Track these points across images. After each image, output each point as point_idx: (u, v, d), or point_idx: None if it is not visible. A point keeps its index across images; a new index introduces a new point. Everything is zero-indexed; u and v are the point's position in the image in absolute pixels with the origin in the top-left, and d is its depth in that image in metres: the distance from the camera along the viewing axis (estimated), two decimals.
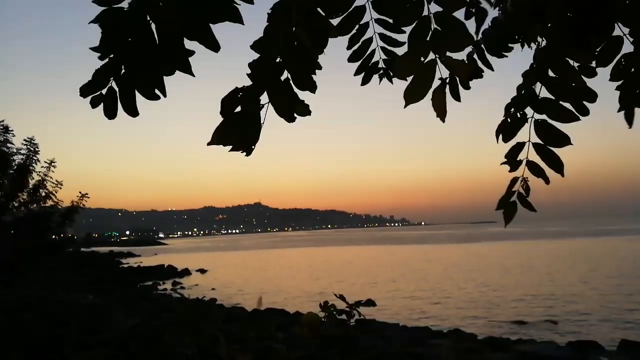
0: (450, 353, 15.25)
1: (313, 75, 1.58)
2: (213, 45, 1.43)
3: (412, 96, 1.58)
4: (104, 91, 1.51)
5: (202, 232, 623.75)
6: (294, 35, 1.51)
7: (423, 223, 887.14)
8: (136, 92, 1.50)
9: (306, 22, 1.55)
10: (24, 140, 14.40)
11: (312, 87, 1.57)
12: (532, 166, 2.08)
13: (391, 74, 2.60)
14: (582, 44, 1.80)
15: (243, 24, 1.43)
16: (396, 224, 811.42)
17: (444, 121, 1.61)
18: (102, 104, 1.51)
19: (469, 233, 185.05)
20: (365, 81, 2.64)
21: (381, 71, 2.62)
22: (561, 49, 1.84)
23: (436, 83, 1.59)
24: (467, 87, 2.44)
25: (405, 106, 1.61)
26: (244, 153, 1.57)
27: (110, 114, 1.52)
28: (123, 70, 1.47)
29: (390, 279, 41.14)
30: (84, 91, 1.50)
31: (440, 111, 1.59)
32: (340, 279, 43.24)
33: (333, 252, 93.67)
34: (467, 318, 23.63)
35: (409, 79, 1.60)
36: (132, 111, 1.53)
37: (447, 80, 2.51)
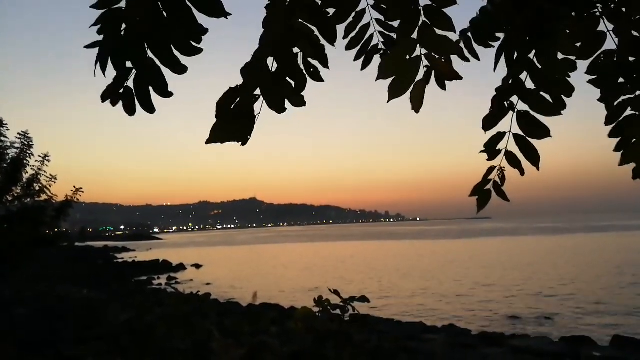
0: (445, 348, 15.31)
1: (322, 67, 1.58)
2: (198, 33, 1.44)
3: (395, 91, 1.60)
4: (121, 90, 1.55)
5: (197, 227, 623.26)
6: (298, 30, 1.51)
7: (418, 219, 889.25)
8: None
9: (311, 15, 1.55)
10: (18, 134, 14.33)
11: (317, 78, 1.57)
12: (510, 156, 2.10)
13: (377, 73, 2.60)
14: (545, 33, 1.81)
15: (227, 18, 1.43)
16: (391, 220, 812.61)
17: (417, 113, 1.63)
18: (121, 102, 1.56)
19: (464, 229, 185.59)
20: (364, 65, 2.65)
21: (382, 51, 2.62)
22: (532, 38, 1.85)
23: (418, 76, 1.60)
24: (443, 87, 2.46)
25: (388, 101, 1.63)
26: (240, 143, 1.58)
27: (130, 110, 1.57)
28: (135, 72, 1.50)
29: (384, 275, 41.24)
30: (106, 96, 1.52)
31: (417, 104, 1.61)
32: (334, 274, 43.32)
33: (328, 247, 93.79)
34: (461, 313, 23.72)
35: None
36: (149, 108, 1.56)
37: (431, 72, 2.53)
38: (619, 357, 14.51)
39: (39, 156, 14.45)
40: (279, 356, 3.37)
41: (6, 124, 14.30)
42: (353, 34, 2.51)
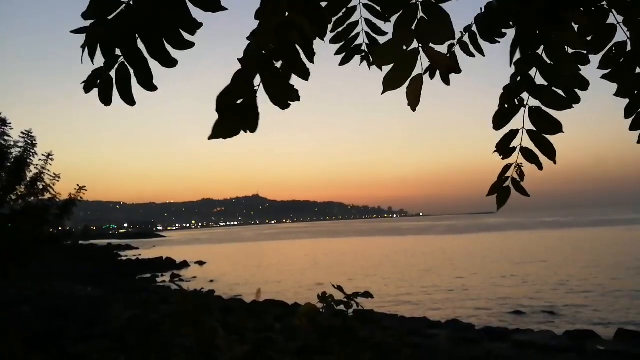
0: (448, 343, 15.33)
1: (310, 63, 1.57)
2: (190, 27, 1.42)
3: (390, 83, 1.58)
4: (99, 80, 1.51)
5: (200, 224, 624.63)
6: (290, 21, 1.50)
7: (421, 214, 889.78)
8: (132, 81, 1.51)
9: (305, 6, 1.54)
10: (22, 133, 14.36)
11: (305, 74, 1.56)
12: (526, 152, 2.08)
13: (371, 59, 2.63)
14: (559, 20, 1.79)
15: (226, 9, 1.42)
16: (394, 215, 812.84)
17: (414, 110, 1.61)
18: (97, 90, 1.52)
19: (467, 224, 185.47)
20: (344, 62, 2.68)
21: (363, 54, 2.65)
22: (542, 31, 1.84)
23: (416, 72, 1.59)
24: (447, 83, 2.46)
25: (382, 92, 1.60)
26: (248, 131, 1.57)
27: (106, 100, 1.53)
28: (119, 60, 1.48)
29: (388, 270, 41.28)
30: (89, 86, 1.51)
31: (414, 100, 1.59)
32: (338, 270, 43.37)
33: (331, 243, 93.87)
34: (464, 308, 23.74)
35: (390, 66, 1.59)
36: (129, 99, 1.53)
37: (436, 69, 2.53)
38: (623, 351, 14.51)
39: (43, 155, 14.49)
40: (283, 352, 3.38)
41: (10, 123, 14.35)
42: (340, 29, 2.52)
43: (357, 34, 2.59)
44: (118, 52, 1.48)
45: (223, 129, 1.51)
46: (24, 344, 9.14)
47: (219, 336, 3.53)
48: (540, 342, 15.46)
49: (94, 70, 1.49)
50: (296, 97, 1.57)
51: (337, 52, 2.65)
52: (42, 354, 8.89)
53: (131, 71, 1.50)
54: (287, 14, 1.51)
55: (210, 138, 1.52)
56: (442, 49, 1.62)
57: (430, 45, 1.55)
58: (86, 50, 1.45)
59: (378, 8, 2.30)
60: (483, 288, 29.62)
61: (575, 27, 1.92)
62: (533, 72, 1.97)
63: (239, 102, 1.50)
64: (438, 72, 1.82)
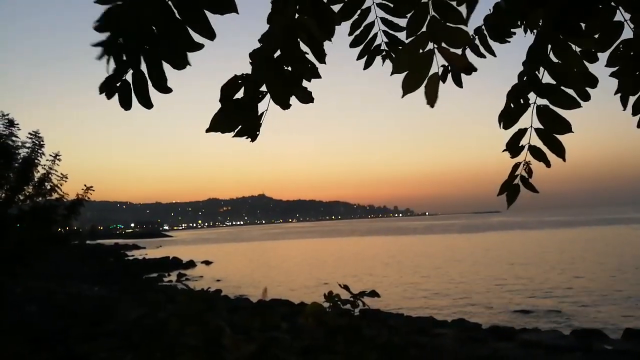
0: (455, 342, 15.29)
1: (319, 64, 1.57)
2: (208, 33, 1.41)
3: (409, 86, 1.57)
4: (118, 83, 1.50)
5: (206, 224, 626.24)
6: (298, 23, 1.50)
7: (427, 213, 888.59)
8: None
9: (312, 9, 1.54)
10: (29, 133, 14.42)
11: (314, 75, 1.56)
12: (534, 150, 2.07)
13: (393, 56, 2.60)
14: (572, 30, 1.79)
15: (238, 13, 1.41)
16: (400, 215, 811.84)
17: (433, 107, 1.61)
18: (117, 95, 1.50)
19: (473, 223, 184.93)
20: (367, 65, 2.66)
21: (383, 53, 2.62)
22: (555, 34, 1.83)
23: (432, 70, 1.58)
24: (459, 85, 2.47)
25: (402, 96, 1.60)
26: (249, 139, 1.56)
27: (126, 104, 1.51)
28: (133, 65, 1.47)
29: (394, 270, 41.22)
30: (103, 89, 1.49)
31: (432, 98, 1.58)
32: (344, 270, 43.35)
33: (337, 243, 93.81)
34: (471, 308, 23.68)
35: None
36: (147, 103, 1.52)
37: (449, 68, 2.53)
38: (631, 350, 14.43)
39: (50, 155, 14.55)
40: (289, 351, 3.38)
41: (17, 124, 14.41)
42: (358, 32, 2.51)
43: (375, 35, 2.57)
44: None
45: (222, 122, 1.51)
46: (30, 343, 9.19)
47: (226, 335, 3.53)
48: (547, 342, 15.39)
49: (109, 76, 1.47)
50: (309, 99, 1.57)
51: (359, 57, 2.62)
52: (48, 353, 8.93)
53: (146, 74, 1.48)
54: (296, 16, 1.51)
55: (207, 131, 1.52)
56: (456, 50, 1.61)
57: (445, 46, 1.55)
58: (107, 59, 1.43)
59: (391, 5, 2.29)
60: (489, 287, 29.53)
61: (583, 25, 1.92)
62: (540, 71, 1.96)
63: (242, 97, 1.49)
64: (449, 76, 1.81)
